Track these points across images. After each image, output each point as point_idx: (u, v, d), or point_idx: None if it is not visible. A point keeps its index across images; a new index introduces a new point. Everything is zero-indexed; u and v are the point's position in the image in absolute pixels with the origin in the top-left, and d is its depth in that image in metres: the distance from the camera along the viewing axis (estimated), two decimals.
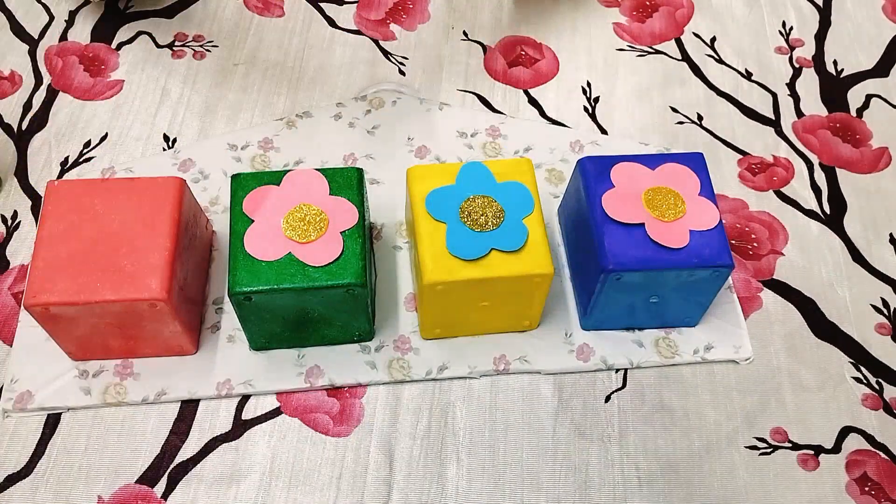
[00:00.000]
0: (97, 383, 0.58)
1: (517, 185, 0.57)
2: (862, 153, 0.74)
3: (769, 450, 0.58)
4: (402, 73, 0.77)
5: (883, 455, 0.58)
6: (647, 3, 0.84)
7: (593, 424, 0.59)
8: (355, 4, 0.82)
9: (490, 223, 0.55)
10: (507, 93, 0.76)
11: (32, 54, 0.76)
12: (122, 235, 0.54)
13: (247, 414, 0.58)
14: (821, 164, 0.73)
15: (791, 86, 0.78)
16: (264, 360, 0.59)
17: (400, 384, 0.60)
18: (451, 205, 0.56)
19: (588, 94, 0.76)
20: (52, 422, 0.57)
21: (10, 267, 0.64)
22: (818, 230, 0.69)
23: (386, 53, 0.78)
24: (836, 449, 0.59)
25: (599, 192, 0.57)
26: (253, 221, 0.54)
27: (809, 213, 0.70)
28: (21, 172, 0.69)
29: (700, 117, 0.75)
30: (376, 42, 0.79)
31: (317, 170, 0.57)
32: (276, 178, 0.56)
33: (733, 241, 0.67)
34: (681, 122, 0.75)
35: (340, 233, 0.54)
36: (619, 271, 0.54)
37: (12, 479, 0.55)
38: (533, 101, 0.76)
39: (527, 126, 0.73)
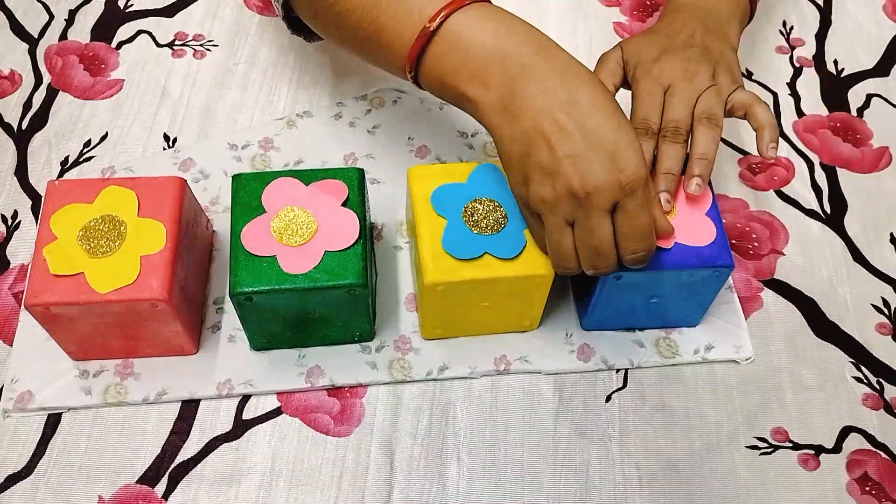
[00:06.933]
0: (98, 383, 0.58)
1: None
2: (862, 153, 0.74)
3: (770, 450, 0.58)
4: None
5: (883, 455, 0.58)
6: (648, 2, 0.84)
7: (594, 424, 0.59)
8: None
9: (490, 228, 0.54)
10: None
11: (32, 53, 0.76)
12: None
13: (247, 414, 0.58)
14: (821, 164, 0.73)
15: (792, 85, 0.78)
16: (265, 360, 0.59)
17: (401, 384, 0.60)
18: (456, 203, 0.55)
19: None
20: (53, 422, 0.57)
21: (11, 267, 0.64)
22: (819, 230, 0.69)
23: None
24: (836, 449, 0.59)
25: None
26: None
27: (810, 213, 0.70)
28: (21, 172, 0.68)
29: None
30: None
31: (318, 170, 0.57)
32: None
33: (734, 241, 0.67)
34: None
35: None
36: (620, 272, 0.54)
37: (13, 479, 0.55)
38: None
39: None
